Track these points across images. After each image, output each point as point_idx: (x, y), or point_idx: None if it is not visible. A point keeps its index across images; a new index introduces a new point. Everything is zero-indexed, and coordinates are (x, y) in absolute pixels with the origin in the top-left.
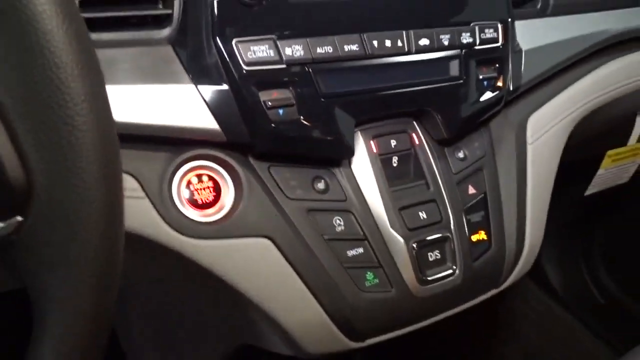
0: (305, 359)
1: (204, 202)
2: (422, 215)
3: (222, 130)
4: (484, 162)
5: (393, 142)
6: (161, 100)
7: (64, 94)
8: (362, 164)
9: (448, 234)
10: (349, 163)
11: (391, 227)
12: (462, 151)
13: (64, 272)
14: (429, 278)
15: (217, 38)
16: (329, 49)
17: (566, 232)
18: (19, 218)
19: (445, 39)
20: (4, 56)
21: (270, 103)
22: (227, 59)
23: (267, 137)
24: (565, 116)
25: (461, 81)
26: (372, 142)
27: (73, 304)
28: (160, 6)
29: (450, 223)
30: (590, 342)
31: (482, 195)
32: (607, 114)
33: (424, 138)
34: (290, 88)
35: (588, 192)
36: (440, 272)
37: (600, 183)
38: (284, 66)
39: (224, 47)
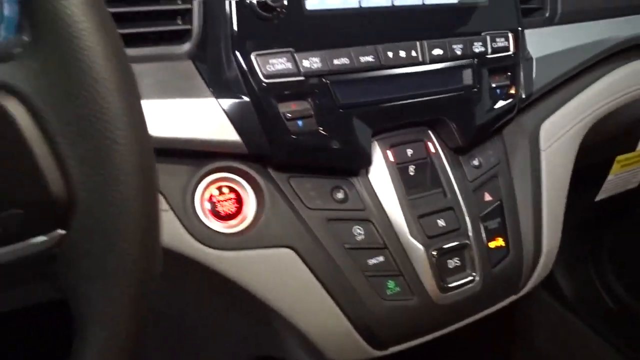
0: None
1: (227, 213)
2: (441, 223)
3: (243, 142)
4: (499, 169)
5: (409, 151)
6: (184, 114)
7: (103, 109)
8: (380, 173)
9: (467, 241)
10: (367, 172)
11: (410, 235)
12: (476, 159)
13: (103, 284)
14: (449, 285)
15: (237, 52)
16: (345, 60)
17: (575, 236)
18: (61, 231)
19: (458, 49)
20: (45, 72)
21: (289, 115)
22: (247, 72)
23: (287, 148)
24: (577, 122)
25: (475, 90)
26: (388, 151)
27: (112, 315)
28: (179, 22)
29: (468, 230)
30: (601, 349)
31: (498, 202)
32: (616, 119)
33: (439, 146)
34: (309, 99)
35: (598, 198)
36: (460, 279)
37: (610, 188)
38: (302, 78)
39: (243, 60)
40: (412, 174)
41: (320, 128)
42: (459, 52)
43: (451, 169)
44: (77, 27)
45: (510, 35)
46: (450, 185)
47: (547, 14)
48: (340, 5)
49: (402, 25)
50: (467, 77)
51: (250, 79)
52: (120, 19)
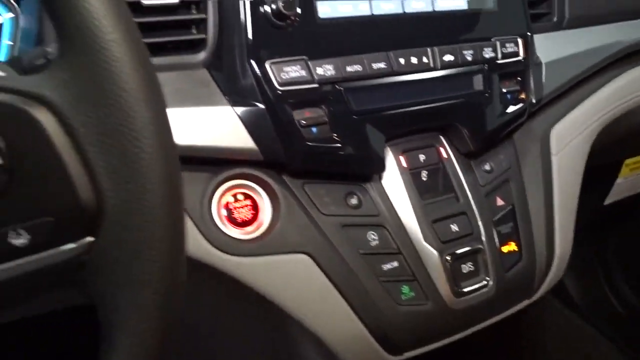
0: None
1: (243, 220)
2: (454, 227)
3: (258, 149)
4: (510, 174)
5: (422, 157)
6: (200, 122)
7: (131, 118)
8: (393, 179)
9: (480, 246)
10: (380, 178)
11: (424, 240)
12: (488, 164)
13: (131, 291)
14: (463, 290)
15: (252, 60)
16: (358, 67)
17: (581, 239)
18: (90, 239)
19: (468, 55)
20: (74, 83)
21: (303, 122)
22: (262, 80)
23: (301, 154)
24: (587, 126)
25: (485, 95)
26: (401, 157)
27: (140, 323)
28: (194, 31)
29: (481, 235)
30: (610, 353)
31: (511, 206)
32: (625, 122)
33: (451, 152)
34: (323, 106)
35: (608, 201)
36: (474, 284)
37: (619, 192)
38: (315, 85)
39: (258, 68)
40: (424, 179)
41: (335, 134)
42: (469, 58)
43: (463, 174)
44: (105, 39)
45: (519, 40)
46: (462, 190)
47: (555, 19)
48: (352, 12)
49: (413, 31)
50: (478, 82)
51: (266, 87)
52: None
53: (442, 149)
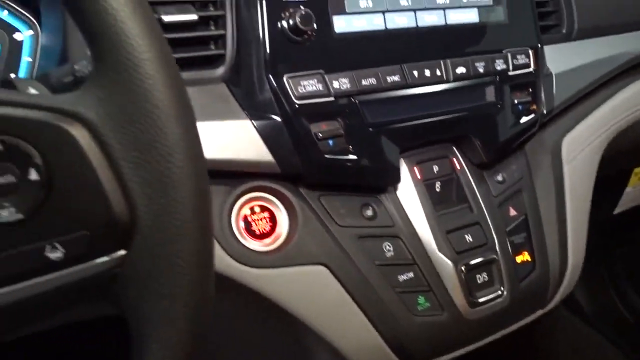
0: None
1: (262, 232)
2: (468, 238)
3: (276, 162)
4: (523, 184)
5: (435, 168)
6: (220, 136)
7: (164, 133)
8: (407, 190)
9: (494, 256)
10: (395, 189)
11: (439, 250)
12: (500, 174)
13: (162, 303)
14: (478, 300)
15: (270, 75)
16: (372, 80)
17: (589, 247)
18: (123, 252)
19: (480, 67)
20: (109, 100)
21: (320, 135)
22: (280, 94)
23: (318, 167)
24: (598, 136)
25: (497, 106)
26: (415, 168)
27: (171, 334)
28: (213, 47)
29: (495, 245)
30: None
31: (523, 216)
32: (634, 132)
33: (464, 163)
34: (339, 119)
35: (617, 211)
36: (489, 294)
37: (629, 201)
38: (332, 99)
39: (276, 83)
40: (438, 190)
41: (350, 147)
42: (481, 70)
43: (476, 185)
44: (140, 58)
45: (530, 52)
46: (476, 201)
47: (564, 30)
48: (367, 27)
49: (426, 44)
50: (490, 94)
51: (283, 101)
52: None
53: (455, 160)
